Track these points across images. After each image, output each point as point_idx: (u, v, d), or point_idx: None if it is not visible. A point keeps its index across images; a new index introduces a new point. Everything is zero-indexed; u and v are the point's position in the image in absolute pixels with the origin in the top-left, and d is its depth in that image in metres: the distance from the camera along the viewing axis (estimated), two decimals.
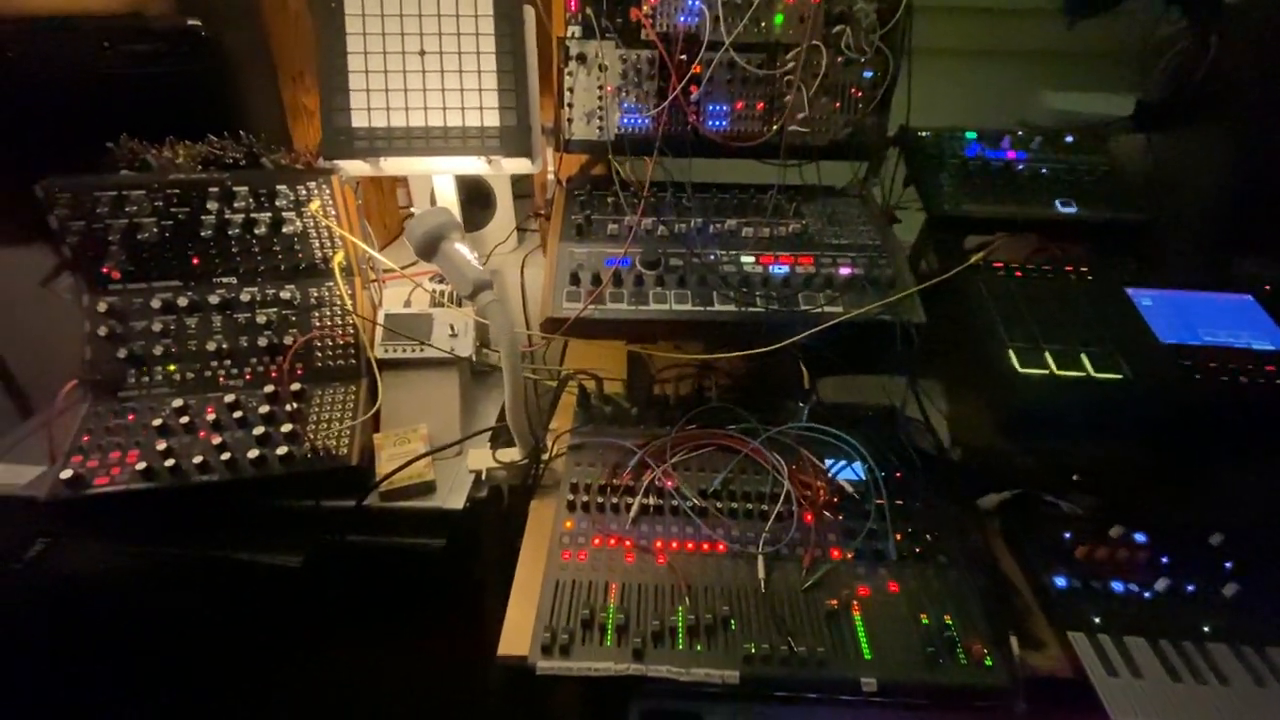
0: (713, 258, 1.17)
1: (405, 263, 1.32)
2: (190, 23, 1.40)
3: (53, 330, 1.32)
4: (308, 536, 1.14)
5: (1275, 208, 1.19)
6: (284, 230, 1.17)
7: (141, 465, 1.05)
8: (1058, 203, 1.28)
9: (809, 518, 1.01)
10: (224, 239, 1.16)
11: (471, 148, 1.20)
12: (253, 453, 1.07)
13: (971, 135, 1.40)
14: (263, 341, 1.17)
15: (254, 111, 1.54)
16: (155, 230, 1.14)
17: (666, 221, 1.20)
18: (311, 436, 1.11)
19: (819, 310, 1.09)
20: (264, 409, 1.13)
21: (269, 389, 1.15)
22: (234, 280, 1.19)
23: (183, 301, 1.16)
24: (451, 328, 1.24)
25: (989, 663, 0.86)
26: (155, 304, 1.16)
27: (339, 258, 1.20)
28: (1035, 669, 0.89)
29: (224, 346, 1.17)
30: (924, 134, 1.39)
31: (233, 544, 1.13)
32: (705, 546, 0.99)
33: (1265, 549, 1.00)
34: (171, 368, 1.16)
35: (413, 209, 1.59)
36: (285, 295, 1.19)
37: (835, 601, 0.91)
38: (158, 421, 1.10)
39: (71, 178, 1.11)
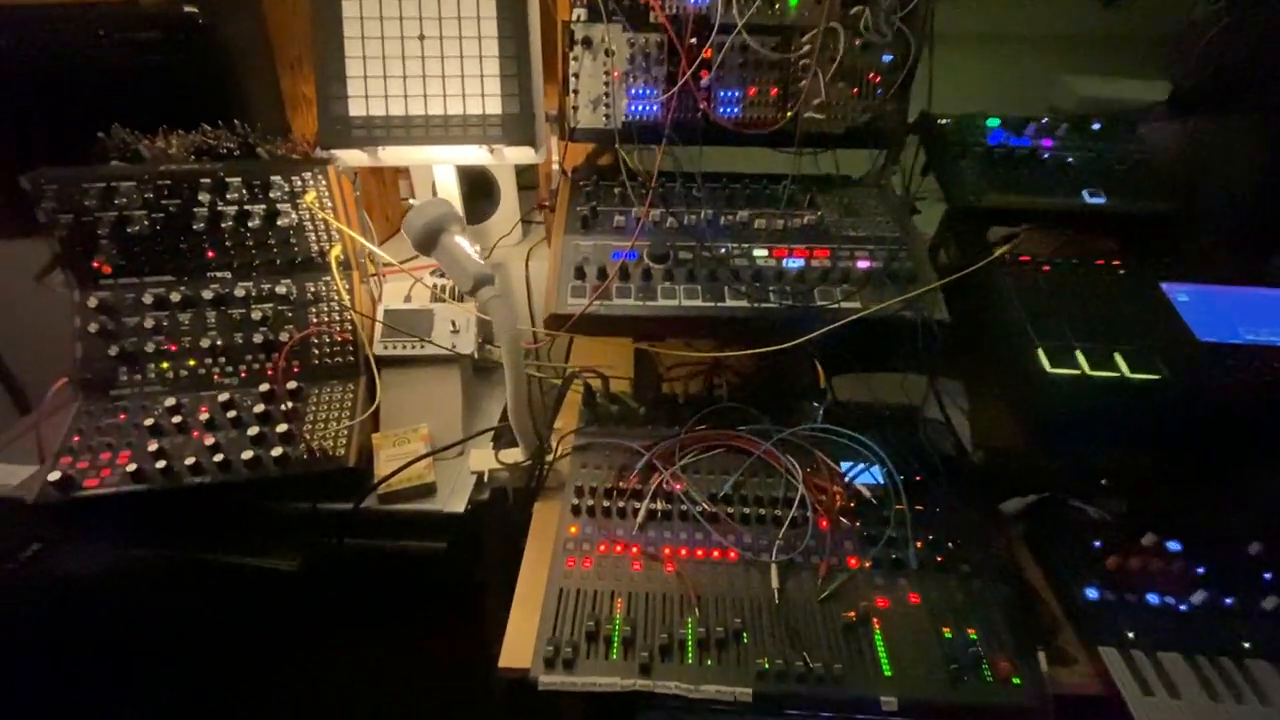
0: (724, 251, 1.12)
1: (406, 257, 1.27)
2: (187, 9, 1.35)
3: (51, 326, 1.29)
4: (305, 539, 1.10)
5: None
6: (279, 223, 1.13)
7: (132, 467, 1.01)
8: (1085, 193, 1.21)
9: (824, 524, 0.97)
10: (217, 232, 1.12)
11: (473, 136, 1.16)
12: (247, 454, 1.03)
13: (994, 122, 1.33)
14: (258, 338, 1.13)
15: (253, 101, 1.49)
16: (146, 223, 1.10)
17: (675, 213, 1.15)
18: (308, 437, 1.07)
19: (835, 306, 1.04)
20: (259, 408, 1.09)
21: (264, 387, 1.11)
22: (228, 275, 1.15)
23: (175, 297, 1.13)
24: (453, 323, 1.20)
25: (1016, 681, 0.81)
26: (147, 299, 1.12)
27: (336, 251, 1.16)
28: (1064, 686, 0.84)
29: (218, 343, 1.13)
30: (944, 121, 1.32)
31: (228, 547, 1.10)
32: (715, 554, 0.94)
33: None
34: (164, 365, 1.13)
35: (414, 201, 1.54)
36: (281, 290, 1.15)
37: (853, 614, 0.86)
38: (149, 421, 1.06)
39: (59, 169, 1.07)
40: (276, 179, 1.11)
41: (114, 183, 1.08)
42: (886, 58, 1.17)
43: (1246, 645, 0.87)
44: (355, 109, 1.15)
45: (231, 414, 1.08)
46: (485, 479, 1.12)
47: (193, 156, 1.15)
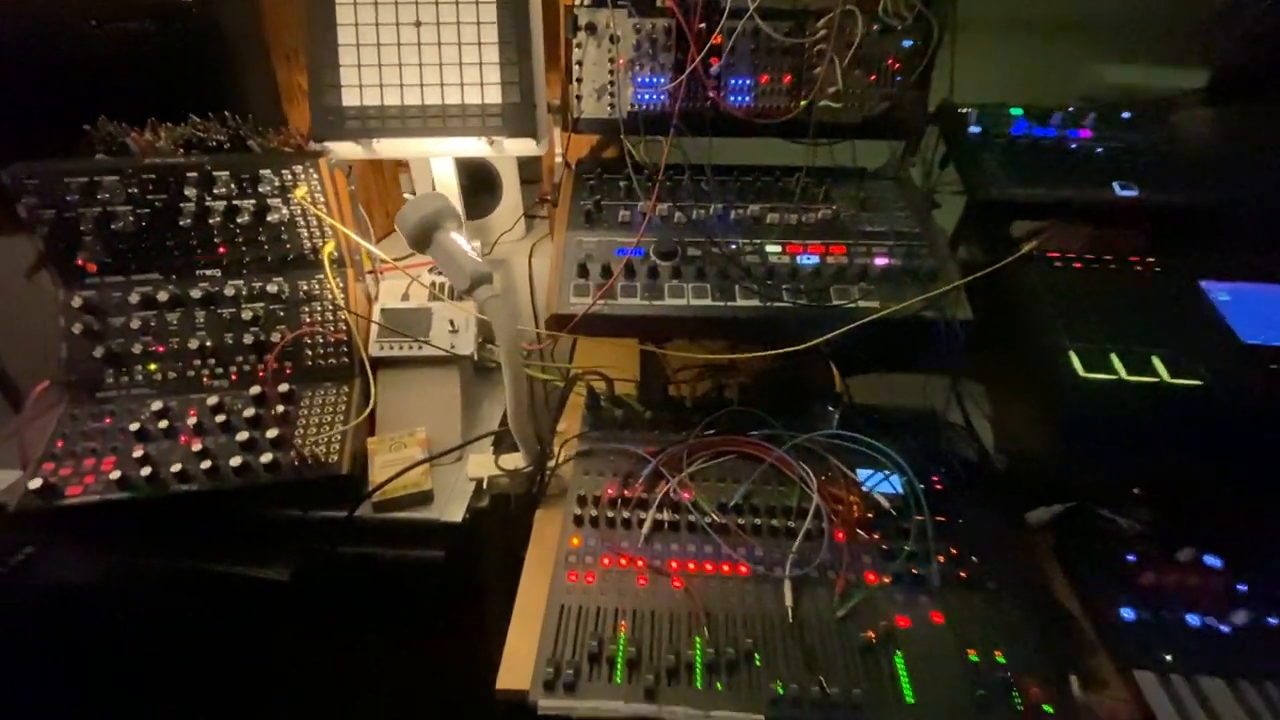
0: (734, 247, 1.06)
1: (405, 254, 1.22)
2: None
3: (46, 324, 1.25)
4: (297, 548, 1.06)
5: None
6: (269, 218, 1.08)
7: (116, 474, 0.97)
8: (1116, 185, 1.15)
9: (841, 536, 0.91)
10: (205, 228, 1.08)
11: (471, 127, 1.10)
12: (235, 460, 0.99)
13: (1017, 112, 1.27)
14: (248, 339, 1.09)
15: (248, 93, 1.45)
16: (131, 219, 1.05)
17: (684, 207, 1.10)
18: (299, 442, 1.03)
19: (853, 305, 0.99)
20: (249, 412, 1.04)
21: (255, 390, 1.07)
22: (217, 273, 1.11)
23: (163, 296, 1.08)
24: (451, 323, 1.15)
25: (1048, 708, 0.76)
26: (134, 299, 1.08)
27: (329, 248, 1.11)
28: (1098, 713, 0.79)
29: (207, 344, 1.09)
30: (966, 111, 1.26)
31: (217, 556, 1.06)
32: (726, 568, 0.89)
33: None
34: (152, 367, 1.09)
35: (408, 196, 1.49)
36: (272, 289, 1.10)
37: (872, 634, 0.81)
38: (135, 426, 1.02)
39: (39, 163, 1.03)
40: (266, 173, 1.06)
41: (96, 177, 1.03)
42: (906, 43, 1.11)
43: None
44: (349, 99, 1.09)
45: (220, 418, 1.04)
46: (485, 485, 1.07)
47: (181, 150, 1.11)
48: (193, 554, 1.06)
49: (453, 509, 1.04)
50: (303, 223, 1.10)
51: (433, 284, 1.20)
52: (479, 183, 1.44)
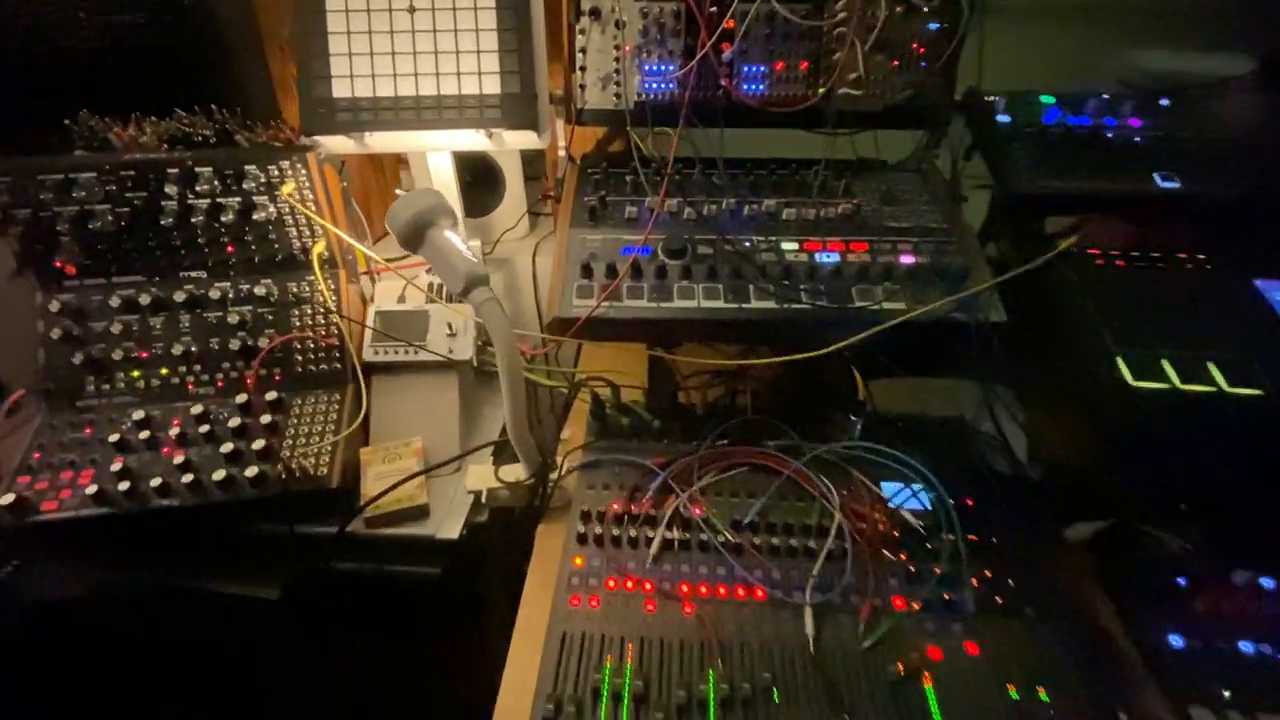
0: (748, 244, 1.00)
1: (402, 254, 1.17)
2: None
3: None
4: (288, 564, 1.01)
5: None
6: (255, 217, 1.03)
7: (93, 489, 0.92)
8: (1157, 177, 1.07)
9: (865, 558, 0.84)
10: (188, 227, 1.02)
11: (469, 119, 1.04)
12: (219, 473, 0.93)
13: (1049, 99, 1.19)
14: (235, 344, 1.03)
15: (243, 86, 1.39)
16: (110, 218, 1.00)
17: (694, 202, 1.03)
18: (286, 454, 0.97)
19: (877, 307, 0.92)
20: (234, 422, 0.99)
21: (241, 398, 1.01)
22: (203, 275, 1.06)
23: (145, 299, 1.03)
24: (449, 326, 1.09)
25: None
26: (114, 302, 1.02)
27: (319, 248, 1.05)
28: None
29: (192, 350, 1.04)
30: (993, 98, 1.19)
31: (204, 573, 1.01)
32: (740, 592, 0.82)
33: None
34: (135, 373, 1.03)
35: (400, 192, 1.43)
36: (260, 291, 1.05)
37: (901, 666, 0.74)
38: (115, 437, 0.97)
39: (10, 159, 0.98)
40: (251, 169, 1.01)
41: (72, 174, 0.98)
42: (933, 25, 1.04)
43: None
44: (339, 90, 1.03)
45: (205, 428, 0.99)
46: (484, 499, 1.01)
47: (166, 145, 1.05)
48: (178, 571, 1.01)
49: (449, 525, 0.98)
50: (291, 221, 1.04)
51: (429, 285, 1.14)
52: (481, 179, 1.38)
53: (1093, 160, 1.11)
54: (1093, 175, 1.08)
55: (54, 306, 1.01)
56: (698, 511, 0.89)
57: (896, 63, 1.05)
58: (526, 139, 1.07)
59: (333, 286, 1.06)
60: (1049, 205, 1.09)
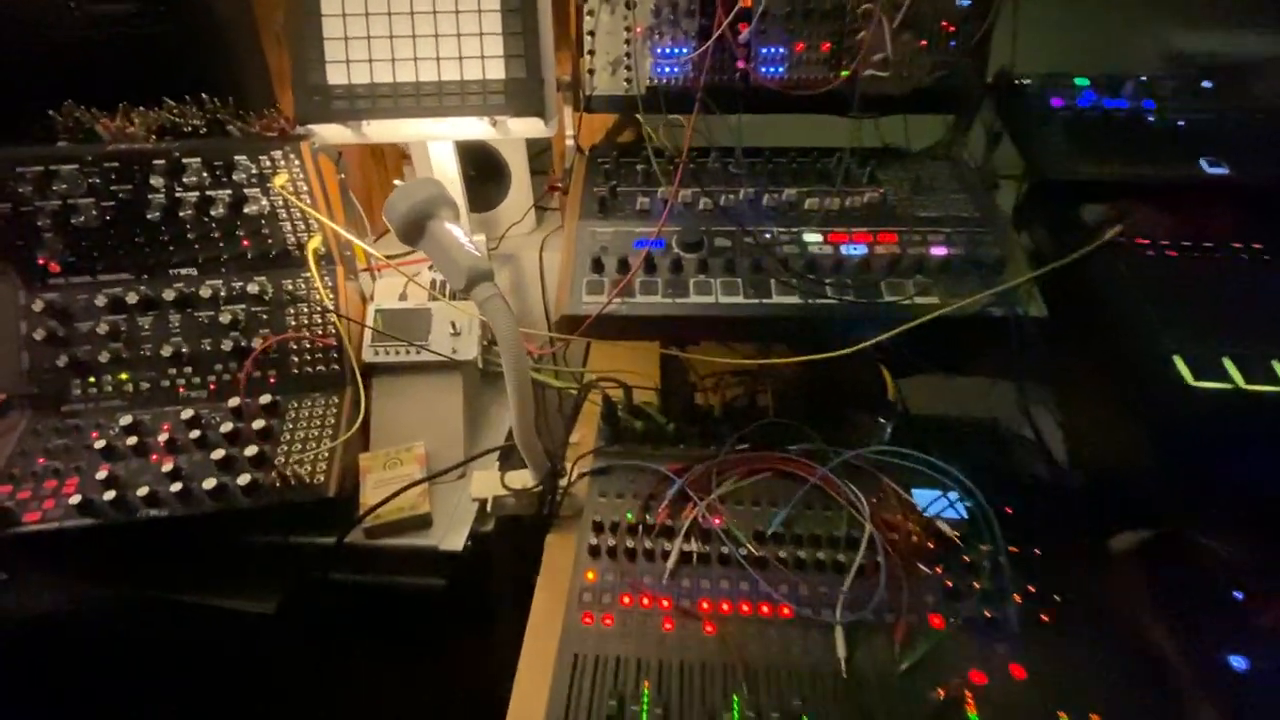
0: (769, 236, 0.94)
1: (404, 250, 1.11)
2: None
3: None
4: (284, 576, 0.95)
5: None
6: (246, 210, 0.97)
7: (76, 499, 0.87)
8: (1203, 162, 1.01)
9: (898, 571, 0.79)
10: (176, 222, 0.97)
11: (472, 106, 0.98)
12: (210, 482, 0.88)
13: (1083, 81, 1.13)
14: (227, 345, 0.98)
15: (239, 77, 1.34)
16: (94, 213, 0.95)
17: (711, 192, 0.97)
18: (281, 461, 0.92)
19: (908, 302, 0.86)
20: (226, 427, 0.94)
21: (234, 402, 0.96)
22: (193, 272, 1.00)
23: (132, 298, 0.98)
24: (453, 325, 1.04)
25: None
26: (100, 301, 0.97)
27: (314, 243, 1.00)
28: None
29: (183, 351, 0.98)
30: (1025, 81, 1.12)
31: (196, 586, 0.96)
32: (765, 609, 0.77)
33: None
34: (123, 376, 0.98)
35: (398, 183, 1.38)
36: (253, 289, 1.00)
37: (942, 691, 0.68)
38: (101, 443, 0.92)
39: None
40: (241, 159, 0.95)
41: (53, 166, 0.93)
42: (963, 2, 0.98)
43: None
44: (334, 76, 0.98)
45: (196, 434, 0.94)
46: (489, 507, 0.95)
47: (154, 136, 1.00)
48: (170, 584, 0.96)
49: (453, 536, 0.93)
50: (285, 215, 0.99)
51: (432, 282, 1.08)
52: (484, 173, 1.32)
53: (1133, 145, 1.05)
54: (1134, 161, 1.02)
55: (37, 306, 0.96)
56: (717, 522, 0.83)
57: (925, 42, 0.99)
58: (533, 126, 1.01)
59: (329, 284, 1.00)
60: (1087, 193, 1.03)
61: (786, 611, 0.76)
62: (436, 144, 1.10)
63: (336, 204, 1.02)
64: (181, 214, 0.96)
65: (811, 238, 0.94)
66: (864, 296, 0.87)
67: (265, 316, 1.00)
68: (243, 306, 1.00)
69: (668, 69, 1.01)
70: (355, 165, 1.31)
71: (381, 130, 1.01)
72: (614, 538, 0.83)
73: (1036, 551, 0.82)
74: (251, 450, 0.91)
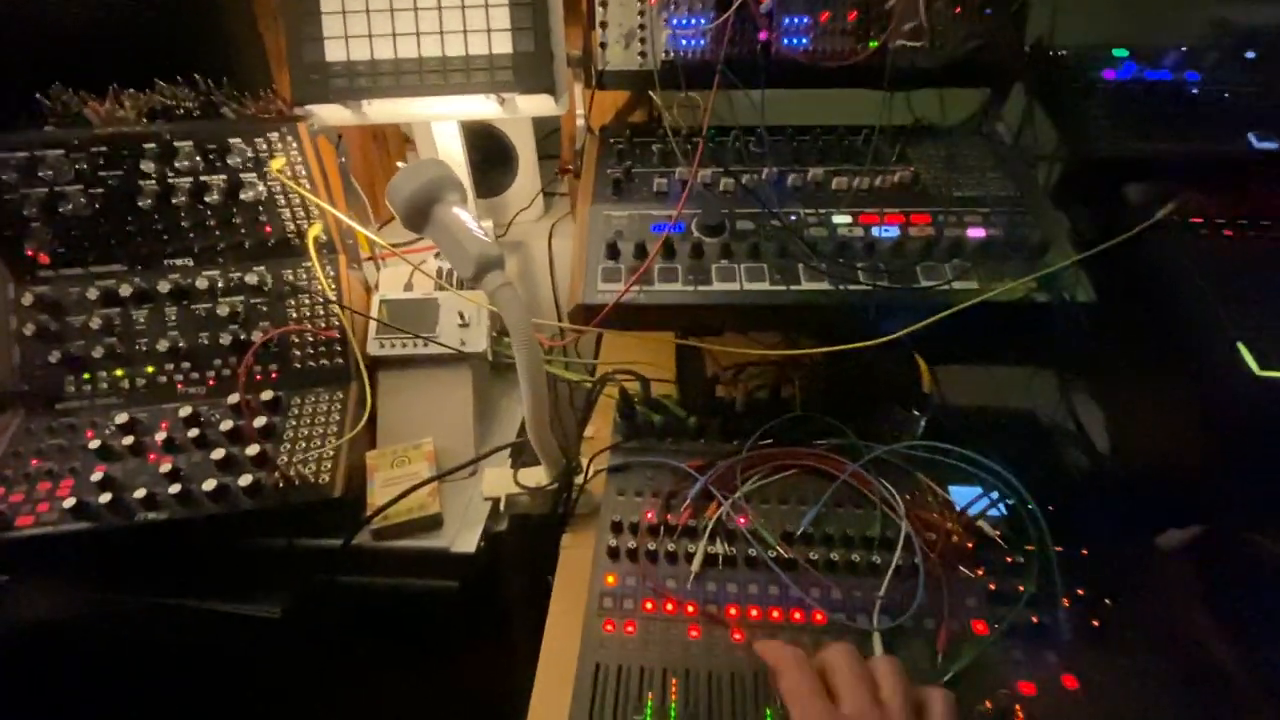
0: (795, 218, 0.88)
1: (410, 237, 1.06)
2: None
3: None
4: (290, 580, 0.92)
5: None
6: (243, 196, 0.92)
7: (70, 501, 0.83)
8: (1253, 137, 0.95)
9: (938, 574, 0.74)
10: (169, 210, 0.92)
11: (478, 83, 0.93)
12: (209, 483, 0.84)
13: (1122, 53, 1.07)
14: (226, 338, 0.94)
15: (237, 60, 1.29)
16: (83, 201, 0.90)
17: (732, 172, 0.92)
18: (284, 460, 0.88)
19: (946, 287, 0.80)
20: (227, 424, 0.90)
21: (234, 399, 0.92)
22: (189, 262, 0.96)
23: (126, 290, 0.93)
24: (461, 316, 0.99)
25: None
26: (93, 294, 0.93)
27: (315, 231, 0.95)
28: None
29: (180, 345, 0.94)
30: (1061, 52, 1.06)
31: (200, 591, 0.92)
32: (797, 615, 0.72)
33: None
34: (118, 372, 0.94)
35: (402, 165, 1.33)
36: (252, 280, 0.95)
37: (990, 704, 0.64)
38: (96, 443, 0.88)
39: None
40: (236, 142, 0.90)
41: (38, 151, 0.88)
42: None
43: None
44: (333, 53, 0.93)
45: (195, 432, 0.89)
46: (502, 506, 0.91)
47: (146, 120, 0.95)
48: (171, 589, 0.92)
49: (465, 536, 0.88)
50: (284, 201, 0.94)
51: (439, 271, 1.04)
52: (491, 157, 1.27)
53: (1178, 119, 0.99)
54: (1179, 136, 0.97)
55: (27, 299, 0.92)
56: (743, 522, 0.79)
57: (959, 10, 0.93)
58: (543, 104, 0.96)
59: (331, 273, 0.96)
60: (1132, 170, 0.97)
61: (820, 617, 0.72)
62: (441, 125, 1.05)
63: (337, 189, 0.97)
64: (175, 201, 0.91)
65: (841, 219, 0.88)
66: (899, 281, 0.82)
67: (265, 308, 0.96)
68: (241, 298, 0.95)
69: (685, 41, 0.96)
70: (356, 148, 1.26)
71: (383, 110, 0.96)
72: (634, 539, 0.79)
73: (1084, 551, 0.77)
74: (253, 449, 0.87)
